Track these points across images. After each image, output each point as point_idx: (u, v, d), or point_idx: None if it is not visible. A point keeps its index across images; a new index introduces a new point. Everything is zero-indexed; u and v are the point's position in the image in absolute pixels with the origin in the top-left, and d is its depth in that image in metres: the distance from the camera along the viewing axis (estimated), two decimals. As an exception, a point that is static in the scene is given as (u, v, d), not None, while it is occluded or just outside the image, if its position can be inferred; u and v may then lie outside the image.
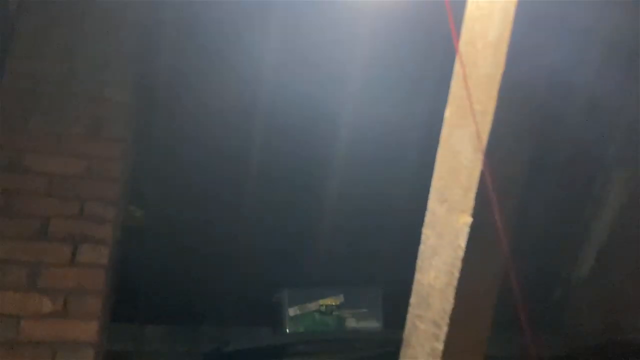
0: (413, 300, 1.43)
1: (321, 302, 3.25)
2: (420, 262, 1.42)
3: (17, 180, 2.50)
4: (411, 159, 2.97)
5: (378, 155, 3.05)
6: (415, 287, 1.43)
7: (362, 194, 3.13)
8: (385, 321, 3.26)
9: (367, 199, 3.16)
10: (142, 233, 3.13)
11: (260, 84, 2.94)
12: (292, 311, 3.19)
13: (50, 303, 2.34)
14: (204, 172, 3.08)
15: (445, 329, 1.30)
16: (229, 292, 3.27)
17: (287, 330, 3.19)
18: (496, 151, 1.22)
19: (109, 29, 2.75)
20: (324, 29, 2.81)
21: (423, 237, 1.42)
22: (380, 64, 2.93)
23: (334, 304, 3.26)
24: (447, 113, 1.37)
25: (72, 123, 2.65)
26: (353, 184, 3.10)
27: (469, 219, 1.27)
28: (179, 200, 3.19)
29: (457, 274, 1.28)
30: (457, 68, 1.34)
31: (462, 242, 1.28)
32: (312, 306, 3.24)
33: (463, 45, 1.32)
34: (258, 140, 2.99)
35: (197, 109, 2.96)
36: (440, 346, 1.30)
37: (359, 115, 2.96)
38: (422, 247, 1.42)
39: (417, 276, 1.42)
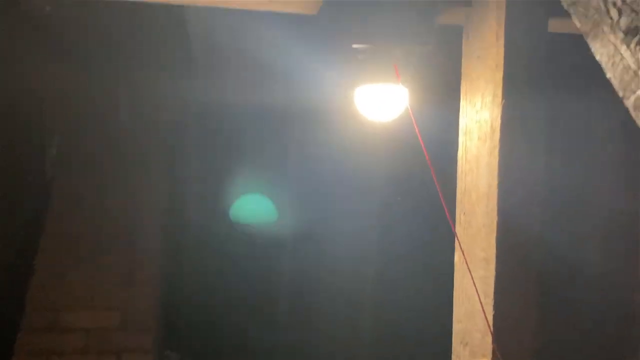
0: None
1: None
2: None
3: (55, 340, 2.59)
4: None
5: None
6: None
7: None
8: None
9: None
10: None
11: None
12: None
13: None
14: (234, 314, 3.13)
15: None
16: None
17: None
18: (504, 296, 1.26)
19: (137, 189, 2.95)
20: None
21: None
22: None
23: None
24: (456, 258, 1.43)
25: (106, 276, 2.78)
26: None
27: (490, 363, 1.28)
28: (213, 345, 3.21)
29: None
30: (458, 215, 1.42)
31: (487, 386, 1.28)
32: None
33: (460, 194, 1.41)
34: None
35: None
36: None
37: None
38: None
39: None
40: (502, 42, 1.24)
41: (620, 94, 0.73)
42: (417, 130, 1.37)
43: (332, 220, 3.00)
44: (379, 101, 1.43)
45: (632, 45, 0.69)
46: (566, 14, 0.84)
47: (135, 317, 2.72)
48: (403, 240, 2.95)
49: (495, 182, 1.23)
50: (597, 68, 0.77)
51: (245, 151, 3.01)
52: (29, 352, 2.55)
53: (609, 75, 0.75)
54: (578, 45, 0.90)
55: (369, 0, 1.34)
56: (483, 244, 1.30)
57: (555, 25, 1.32)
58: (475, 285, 1.32)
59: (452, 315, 1.46)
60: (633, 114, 0.71)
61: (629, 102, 0.71)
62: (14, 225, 2.91)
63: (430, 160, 1.35)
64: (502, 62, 1.24)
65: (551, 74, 1.30)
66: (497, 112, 1.26)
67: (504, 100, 1.24)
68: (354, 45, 1.35)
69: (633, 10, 0.69)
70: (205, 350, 3.25)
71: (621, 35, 0.71)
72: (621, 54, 0.72)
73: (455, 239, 1.43)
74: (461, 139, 1.43)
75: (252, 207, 3.22)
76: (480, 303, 1.31)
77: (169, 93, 2.83)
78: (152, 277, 2.85)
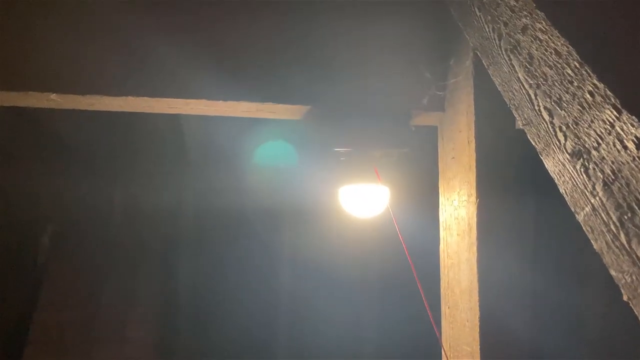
0: None
1: None
2: None
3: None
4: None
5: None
6: None
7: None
8: None
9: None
10: None
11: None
12: None
13: None
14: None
15: None
16: None
17: None
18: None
19: (130, 281, 2.97)
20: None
21: None
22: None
23: None
24: (443, 353, 1.44)
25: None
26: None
27: None
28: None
29: None
30: (443, 309, 1.46)
31: None
32: None
33: (444, 288, 1.45)
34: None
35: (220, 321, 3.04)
36: None
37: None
38: None
39: None
40: (473, 145, 1.33)
41: (572, 209, 0.79)
42: (397, 228, 1.43)
43: (326, 314, 3.01)
44: (361, 199, 1.50)
45: (577, 167, 0.77)
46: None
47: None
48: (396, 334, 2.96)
49: (475, 279, 1.28)
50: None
51: (237, 249, 3.06)
52: None
53: (561, 190, 0.82)
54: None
55: (348, 107, 1.44)
56: (468, 339, 1.33)
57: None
58: (462, 381, 1.33)
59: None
60: (584, 228, 0.77)
61: (580, 218, 0.77)
62: (5, 314, 2.89)
63: (411, 256, 1.40)
64: (474, 163, 1.32)
65: (529, 173, 1.37)
66: (472, 210, 1.32)
67: (478, 200, 1.31)
68: (336, 149, 1.44)
69: (576, 136, 0.77)
70: None
71: (568, 156, 0.79)
72: (570, 173, 0.79)
73: (438, 336, 1.45)
74: (442, 234, 1.49)
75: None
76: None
77: (164, 193, 2.92)
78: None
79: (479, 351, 1.28)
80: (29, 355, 2.72)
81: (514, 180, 1.35)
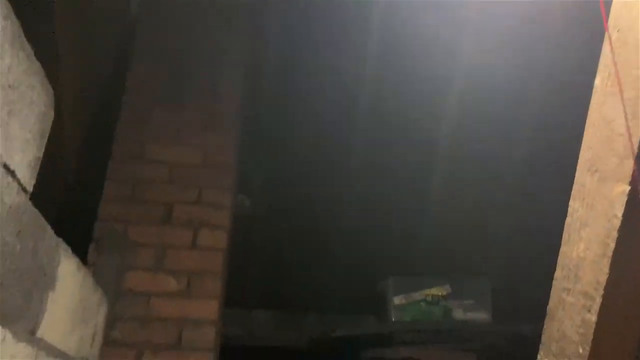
0: (558, 273, 1.41)
1: (427, 292, 3.23)
2: (567, 235, 1.39)
3: (142, 170, 2.68)
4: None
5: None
6: (561, 261, 1.40)
7: (473, 182, 3.07)
8: (494, 314, 3.19)
9: (477, 187, 3.09)
10: (250, 222, 3.24)
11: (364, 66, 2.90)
12: (397, 300, 3.20)
13: (176, 283, 2.47)
14: (309, 163, 3.15)
15: (598, 300, 1.27)
16: (333, 280, 3.31)
17: (392, 319, 3.20)
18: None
19: (223, 24, 2.90)
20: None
21: (570, 209, 1.39)
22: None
23: (440, 294, 3.23)
24: (598, 81, 1.33)
25: (188, 115, 2.81)
26: (463, 173, 3.05)
27: (626, 188, 1.23)
28: (285, 191, 3.27)
29: (612, 245, 1.25)
30: (611, 30, 1.31)
31: (619, 212, 1.24)
32: (418, 296, 3.23)
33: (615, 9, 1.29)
34: (362, 131, 3.01)
35: (304, 99, 3.03)
36: (593, 317, 1.27)
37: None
38: (568, 220, 1.39)
39: (563, 249, 1.39)
40: None
41: None
42: None
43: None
44: None
45: None
46: None
47: (216, 157, 2.78)
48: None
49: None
50: None
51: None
52: (118, 180, 2.65)
53: None
54: None
55: None
56: (641, 61, 1.21)
57: None
58: (624, 106, 1.24)
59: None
60: None
61: None
62: (102, 60, 2.93)
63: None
64: None
65: None
66: None
67: None
68: None
69: None
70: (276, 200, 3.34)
71: None
72: None
73: (600, 59, 1.33)
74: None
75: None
76: (627, 125, 1.24)
77: None
78: (232, 121, 2.88)
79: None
80: (127, 102, 2.77)
81: None
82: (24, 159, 1.27)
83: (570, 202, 1.40)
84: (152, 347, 2.33)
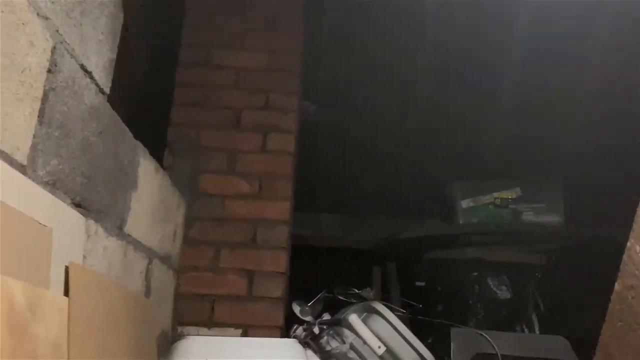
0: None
1: (496, 195, 3.18)
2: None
3: (210, 75, 2.70)
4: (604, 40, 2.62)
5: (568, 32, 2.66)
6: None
7: (544, 83, 2.89)
8: (567, 216, 3.11)
9: (550, 87, 2.91)
10: (316, 127, 3.23)
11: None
12: (465, 203, 3.17)
13: (248, 185, 2.55)
14: (374, 70, 3.04)
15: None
16: (400, 183, 3.30)
17: (460, 222, 3.19)
18: None
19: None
20: None
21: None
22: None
23: (509, 197, 3.17)
24: None
25: (252, 19, 2.76)
26: (534, 74, 2.86)
27: None
28: (350, 96, 3.21)
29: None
30: None
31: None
32: (486, 199, 3.18)
33: None
34: (430, 35, 2.84)
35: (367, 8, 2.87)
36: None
37: None
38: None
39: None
40: None
41: None
42: None
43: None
44: None
45: None
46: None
47: (281, 61, 2.75)
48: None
49: None
50: None
51: None
52: (187, 85, 2.69)
53: None
54: None
55: None
56: None
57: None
58: None
59: None
60: None
61: None
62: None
63: None
64: None
65: None
66: None
67: None
68: None
69: None
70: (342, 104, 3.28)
71: None
72: None
73: None
74: None
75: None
76: None
77: None
78: (296, 25, 2.81)
79: None
80: (191, 6, 2.73)
81: None
82: (100, 61, 1.30)
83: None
84: (229, 245, 2.45)
